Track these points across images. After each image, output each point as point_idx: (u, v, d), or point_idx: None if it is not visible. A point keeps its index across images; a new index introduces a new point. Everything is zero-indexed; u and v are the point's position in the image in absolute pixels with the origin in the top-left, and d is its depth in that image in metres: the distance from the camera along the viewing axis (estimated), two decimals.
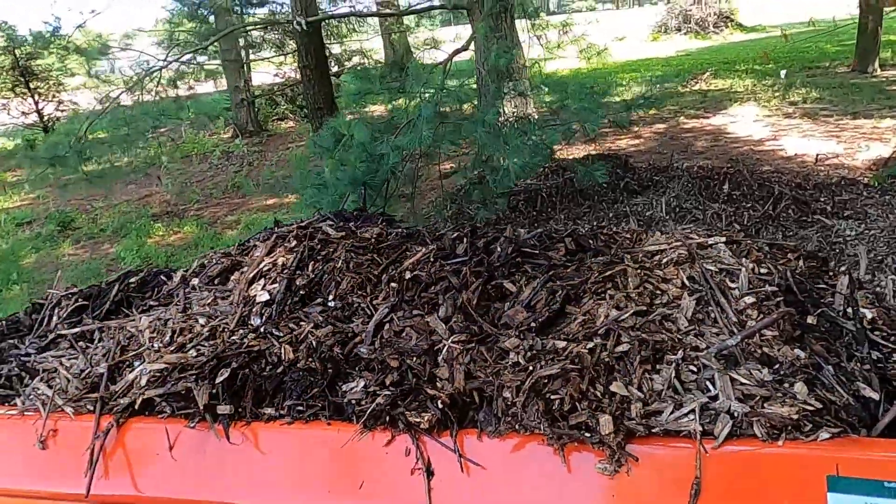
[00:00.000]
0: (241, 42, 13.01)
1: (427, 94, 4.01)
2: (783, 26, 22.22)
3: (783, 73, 10.82)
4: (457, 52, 5.37)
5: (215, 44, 10.93)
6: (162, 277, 2.74)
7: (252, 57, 14.57)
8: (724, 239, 2.07)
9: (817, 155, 6.20)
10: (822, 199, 4.48)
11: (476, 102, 4.13)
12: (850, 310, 1.79)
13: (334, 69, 12.60)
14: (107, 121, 6.66)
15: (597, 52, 5.11)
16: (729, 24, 21.79)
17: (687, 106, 10.12)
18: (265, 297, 2.06)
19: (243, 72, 12.96)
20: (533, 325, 1.57)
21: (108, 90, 7.52)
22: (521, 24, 6.43)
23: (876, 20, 10.75)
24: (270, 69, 14.79)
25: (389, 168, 3.83)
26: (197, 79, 11.58)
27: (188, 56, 9.45)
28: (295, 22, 6.74)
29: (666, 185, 5.15)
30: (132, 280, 2.79)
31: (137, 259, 6.32)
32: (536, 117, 6.27)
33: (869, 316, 1.75)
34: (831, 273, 2.09)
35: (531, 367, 1.40)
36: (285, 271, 2.10)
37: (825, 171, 5.58)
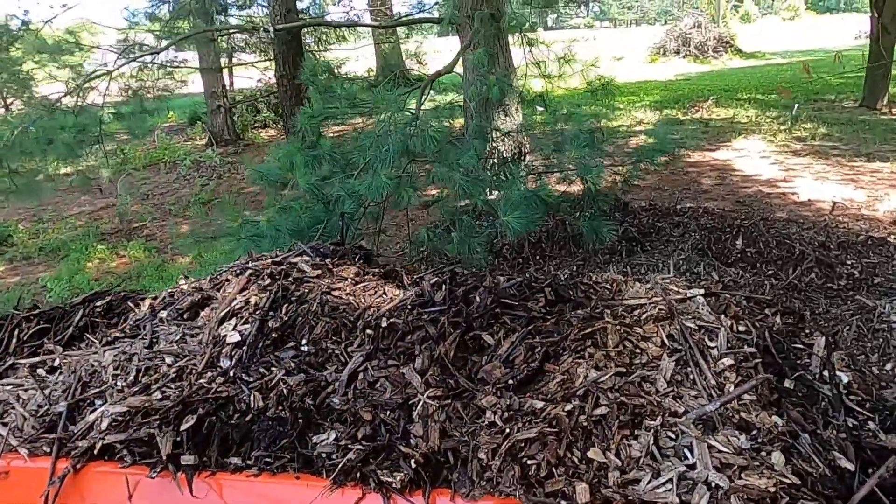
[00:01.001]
0: (224, 45, 13.14)
1: (393, 128, 3.73)
2: (783, 53, 23.03)
3: (796, 107, 11.20)
4: (438, 74, 5.39)
5: (193, 47, 11.04)
6: (129, 304, 2.82)
7: (234, 61, 14.70)
8: (702, 291, 2.21)
9: (834, 202, 6.40)
10: (849, 263, 4.49)
11: (453, 139, 3.93)
12: (826, 372, 1.93)
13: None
14: (39, 125, 6.41)
15: (601, 85, 5.18)
16: (728, 49, 22.54)
17: (688, 136, 10.41)
18: (236, 337, 2.16)
19: (220, 77, 13.06)
20: (511, 382, 1.69)
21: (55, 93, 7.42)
22: (513, 38, 6.41)
23: (887, 54, 11.19)
24: (255, 74, 14.89)
25: (343, 216, 3.62)
26: (156, 79, 11.62)
27: (148, 58, 9.49)
28: (262, 29, 6.81)
29: (670, 234, 5.23)
30: (98, 304, 2.87)
31: (66, 292, 6.04)
32: (528, 159, 6.35)
33: (845, 380, 1.89)
34: (808, 330, 2.24)
35: (508, 430, 1.51)
36: (258, 311, 2.20)
37: (845, 223, 5.71)
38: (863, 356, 2.69)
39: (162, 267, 6.46)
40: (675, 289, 2.24)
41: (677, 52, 22.59)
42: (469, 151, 3.47)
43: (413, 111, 4.17)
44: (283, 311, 2.17)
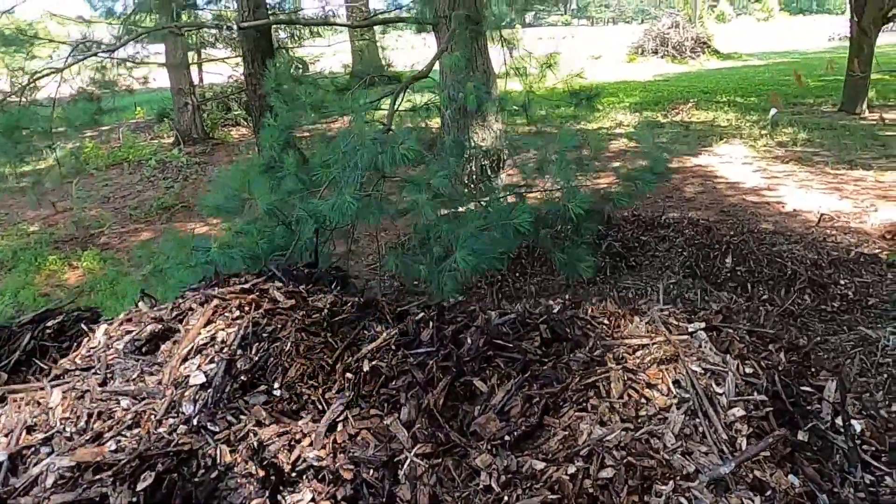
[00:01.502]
0: (192, 40, 12.80)
1: (361, 143, 3.40)
2: (759, 55, 23.34)
3: (773, 112, 11.27)
4: (413, 79, 5.23)
5: (160, 38, 10.72)
6: (83, 326, 2.64)
7: (204, 56, 14.35)
8: (703, 325, 2.12)
9: (821, 214, 6.40)
10: (843, 283, 4.46)
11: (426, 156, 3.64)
12: (839, 420, 1.85)
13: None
14: None
15: (586, 98, 5.02)
16: (705, 49, 22.79)
17: (669, 140, 10.42)
18: (200, 379, 2.00)
19: (188, 73, 12.72)
20: (507, 438, 1.57)
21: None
22: (492, 40, 6.25)
23: (867, 58, 11.34)
24: (225, 70, 14.54)
25: (306, 240, 3.31)
26: (114, 77, 11.27)
27: (105, 53, 9.17)
28: (226, 27, 6.56)
29: (655, 249, 5.14)
30: (49, 325, 2.68)
31: (10, 309, 5.70)
32: (504, 176, 6.14)
33: (858, 428, 1.81)
34: (814, 369, 2.16)
35: (506, 497, 1.39)
36: (225, 350, 2.04)
37: (833, 237, 5.70)
38: (867, 393, 2.63)
39: (117, 280, 6.20)
40: (676, 322, 2.14)
41: (655, 52, 22.76)
42: (441, 173, 3.23)
43: (384, 122, 3.96)
44: (254, 350, 2.02)
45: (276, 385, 1.92)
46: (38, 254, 7.18)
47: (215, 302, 2.31)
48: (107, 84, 8.24)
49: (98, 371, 2.29)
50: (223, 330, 2.14)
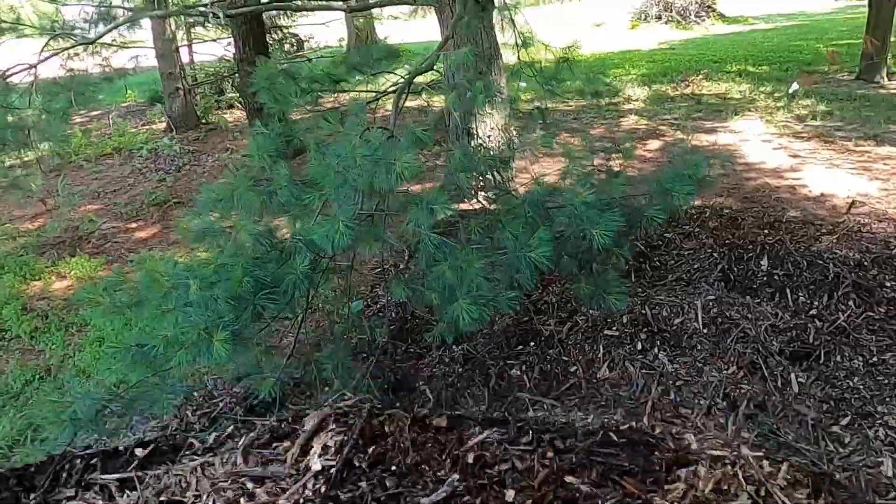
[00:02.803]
0: (181, 20, 12.23)
1: (353, 162, 2.93)
2: (766, 18, 22.61)
3: (793, 86, 10.81)
4: (417, 72, 4.78)
5: (145, 22, 10.22)
6: None
7: (193, 36, 13.78)
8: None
9: (852, 201, 6.03)
10: (889, 285, 4.17)
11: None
12: None
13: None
14: None
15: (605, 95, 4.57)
16: (710, 13, 22.11)
17: (682, 116, 9.99)
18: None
19: (178, 56, 12.18)
20: None
21: None
22: (502, 35, 5.84)
23: (885, 24, 10.85)
24: (216, 49, 13.95)
25: (299, 277, 2.85)
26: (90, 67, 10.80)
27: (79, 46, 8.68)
28: (212, 14, 6.07)
29: (681, 247, 4.79)
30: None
31: None
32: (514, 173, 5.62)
33: None
34: None
35: None
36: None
37: (867, 226, 5.34)
38: None
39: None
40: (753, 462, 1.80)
41: (659, 18, 22.08)
42: (442, 199, 2.80)
43: (385, 126, 3.51)
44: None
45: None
46: (24, 262, 6.81)
47: None
48: (83, 78, 7.71)
49: None
50: None
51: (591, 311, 3.98)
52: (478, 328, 3.64)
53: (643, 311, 3.95)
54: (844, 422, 3.36)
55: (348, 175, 3.07)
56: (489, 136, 6.39)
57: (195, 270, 3.17)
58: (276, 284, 2.99)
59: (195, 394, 4.20)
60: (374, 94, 4.80)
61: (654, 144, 8.75)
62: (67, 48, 6.80)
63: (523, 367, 3.89)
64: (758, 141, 8.54)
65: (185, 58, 13.10)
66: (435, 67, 4.79)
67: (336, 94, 5.33)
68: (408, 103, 4.43)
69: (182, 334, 2.83)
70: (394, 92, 4.41)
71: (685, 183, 3.14)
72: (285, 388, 3.71)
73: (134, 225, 7.88)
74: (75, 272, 6.44)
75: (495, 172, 4.96)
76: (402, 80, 4.34)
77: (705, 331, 3.78)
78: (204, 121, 12.53)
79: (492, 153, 5.19)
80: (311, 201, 3.16)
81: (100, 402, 3.11)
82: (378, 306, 5.03)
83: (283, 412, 3.42)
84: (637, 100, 11.44)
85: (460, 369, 3.95)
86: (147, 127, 12.73)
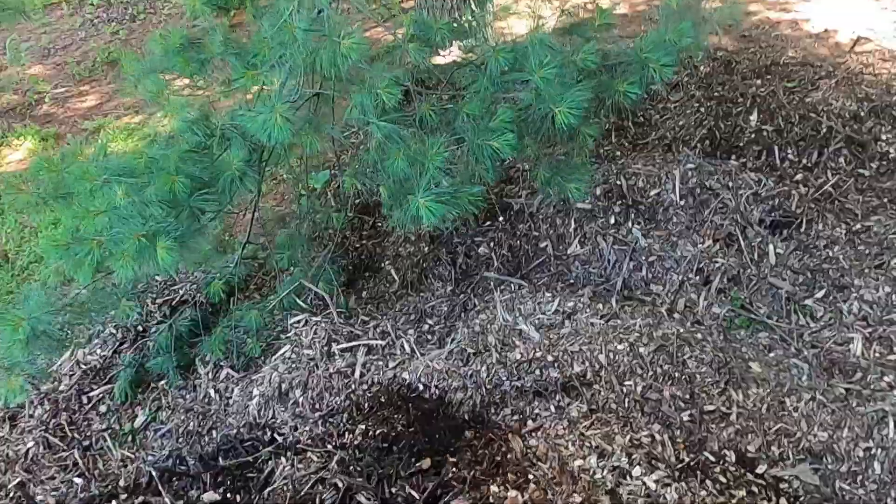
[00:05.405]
0: None
1: (291, 37, 2.52)
2: None
3: None
4: None
5: None
6: None
7: None
8: None
9: (857, 37, 5.55)
10: (885, 138, 3.89)
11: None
12: None
13: None
14: None
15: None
16: None
17: None
18: None
19: None
20: None
21: None
22: None
23: None
24: None
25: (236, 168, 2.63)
26: None
27: None
28: None
29: (666, 100, 4.38)
30: None
31: None
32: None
33: None
34: None
35: None
36: None
37: (870, 67, 4.90)
38: None
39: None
40: None
41: None
42: (388, 79, 2.42)
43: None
44: None
45: None
46: None
47: None
48: None
49: None
50: None
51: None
52: (443, 224, 3.44)
53: (618, 182, 3.73)
54: (819, 294, 3.29)
55: (284, 52, 2.71)
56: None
57: (126, 164, 2.91)
58: (212, 182, 2.75)
59: (157, 278, 4.08)
60: None
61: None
62: None
63: (491, 245, 3.76)
64: None
65: None
66: None
67: None
68: None
69: (116, 244, 2.63)
70: None
71: (666, 52, 2.80)
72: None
73: (87, 87, 7.39)
74: (28, 145, 6.10)
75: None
76: None
77: (682, 202, 3.58)
78: None
79: None
80: (245, 84, 2.83)
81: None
82: None
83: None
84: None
85: (426, 248, 3.81)
86: None
